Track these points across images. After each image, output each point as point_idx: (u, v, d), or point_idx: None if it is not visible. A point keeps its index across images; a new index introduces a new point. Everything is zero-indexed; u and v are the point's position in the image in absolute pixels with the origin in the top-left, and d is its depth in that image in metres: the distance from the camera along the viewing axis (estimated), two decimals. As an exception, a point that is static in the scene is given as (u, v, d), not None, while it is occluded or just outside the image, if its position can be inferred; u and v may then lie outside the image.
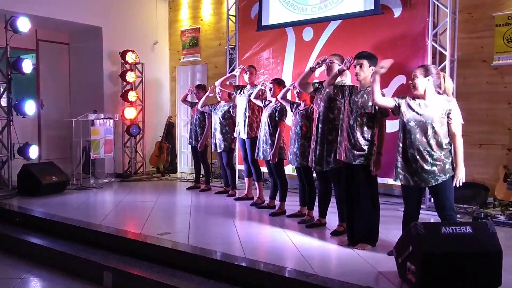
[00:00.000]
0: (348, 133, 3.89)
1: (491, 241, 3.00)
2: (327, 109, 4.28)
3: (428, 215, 4.97)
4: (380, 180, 4.32)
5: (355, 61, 3.89)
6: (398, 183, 3.63)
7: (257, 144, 5.42)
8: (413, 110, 3.49)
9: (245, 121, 5.76)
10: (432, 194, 3.60)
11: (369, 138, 3.83)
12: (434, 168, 3.40)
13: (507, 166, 5.36)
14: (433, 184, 3.43)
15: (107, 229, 4.60)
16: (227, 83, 6.19)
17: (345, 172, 3.99)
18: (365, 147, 3.83)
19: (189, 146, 7.09)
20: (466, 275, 2.94)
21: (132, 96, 8.22)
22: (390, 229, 4.27)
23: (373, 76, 3.59)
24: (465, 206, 5.30)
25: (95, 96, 8.26)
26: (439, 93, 3.51)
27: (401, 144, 3.54)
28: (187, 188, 7.02)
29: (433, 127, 3.40)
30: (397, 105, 3.57)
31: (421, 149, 3.42)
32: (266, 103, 5.46)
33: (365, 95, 3.84)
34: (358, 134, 3.84)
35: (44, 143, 8.41)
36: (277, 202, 5.37)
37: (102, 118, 7.48)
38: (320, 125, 4.30)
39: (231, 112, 6.22)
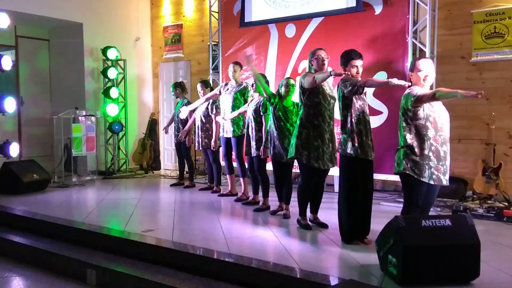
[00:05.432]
0: (367, 130, 3.90)
1: (470, 234, 3.08)
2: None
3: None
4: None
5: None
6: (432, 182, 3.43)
7: (245, 142, 5.34)
8: (432, 106, 3.49)
9: (231, 119, 5.65)
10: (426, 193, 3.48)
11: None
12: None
13: (485, 160, 5.47)
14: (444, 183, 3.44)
15: (90, 226, 4.57)
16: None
17: (359, 167, 3.91)
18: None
19: (173, 143, 7.07)
20: (445, 267, 3.01)
21: (114, 92, 8.15)
22: (372, 222, 4.32)
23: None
24: (445, 199, 5.41)
25: (76, 93, 8.16)
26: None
27: (433, 143, 3.40)
28: (171, 185, 7.00)
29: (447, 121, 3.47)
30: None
31: (447, 145, 3.45)
32: (250, 99, 5.46)
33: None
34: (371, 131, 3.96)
35: (25, 141, 8.27)
36: (260, 198, 5.39)
37: (84, 115, 7.41)
38: (331, 122, 4.27)
39: (210, 109, 6.17)
